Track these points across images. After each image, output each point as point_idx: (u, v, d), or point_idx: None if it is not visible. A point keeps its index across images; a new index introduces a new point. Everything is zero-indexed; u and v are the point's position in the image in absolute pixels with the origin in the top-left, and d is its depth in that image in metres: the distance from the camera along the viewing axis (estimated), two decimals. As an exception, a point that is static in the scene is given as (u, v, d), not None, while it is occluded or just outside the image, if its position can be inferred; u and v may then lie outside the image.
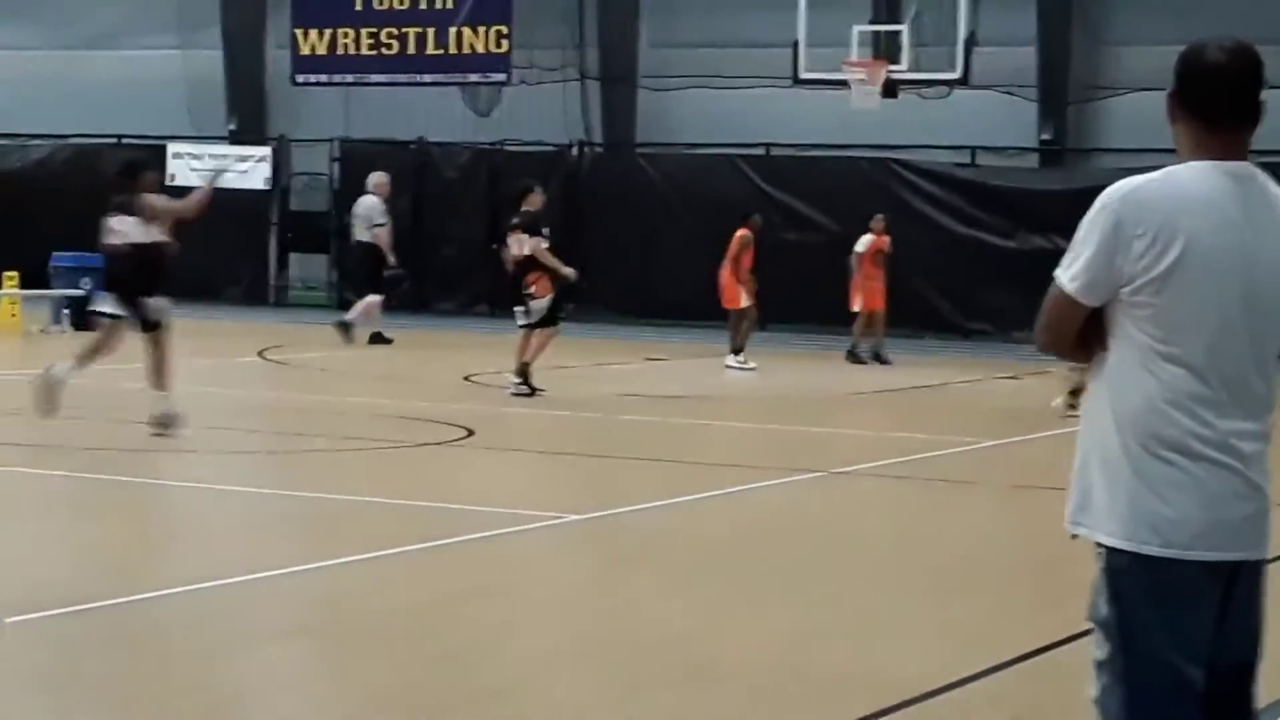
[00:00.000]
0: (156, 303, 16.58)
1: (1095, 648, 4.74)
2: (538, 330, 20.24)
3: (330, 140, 35.67)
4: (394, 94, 35.91)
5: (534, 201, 20.71)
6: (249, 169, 35.78)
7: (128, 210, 16.64)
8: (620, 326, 31.60)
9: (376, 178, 28.22)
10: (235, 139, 37.76)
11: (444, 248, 34.14)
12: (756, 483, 14.63)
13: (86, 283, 28.91)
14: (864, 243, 26.27)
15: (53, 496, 13.25)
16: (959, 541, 12.47)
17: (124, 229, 16.61)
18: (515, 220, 20.62)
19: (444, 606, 9.74)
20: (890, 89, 28.44)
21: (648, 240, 32.37)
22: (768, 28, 32.81)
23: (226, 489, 13.82)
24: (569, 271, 20.57)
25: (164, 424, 16.07)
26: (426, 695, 7.98)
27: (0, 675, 8.03)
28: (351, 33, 35.42)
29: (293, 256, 36.47)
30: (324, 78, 35.89)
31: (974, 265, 31.12)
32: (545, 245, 20.28)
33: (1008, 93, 31.96)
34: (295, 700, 8.04)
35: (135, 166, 17.45)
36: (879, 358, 25.99)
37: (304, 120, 36.79)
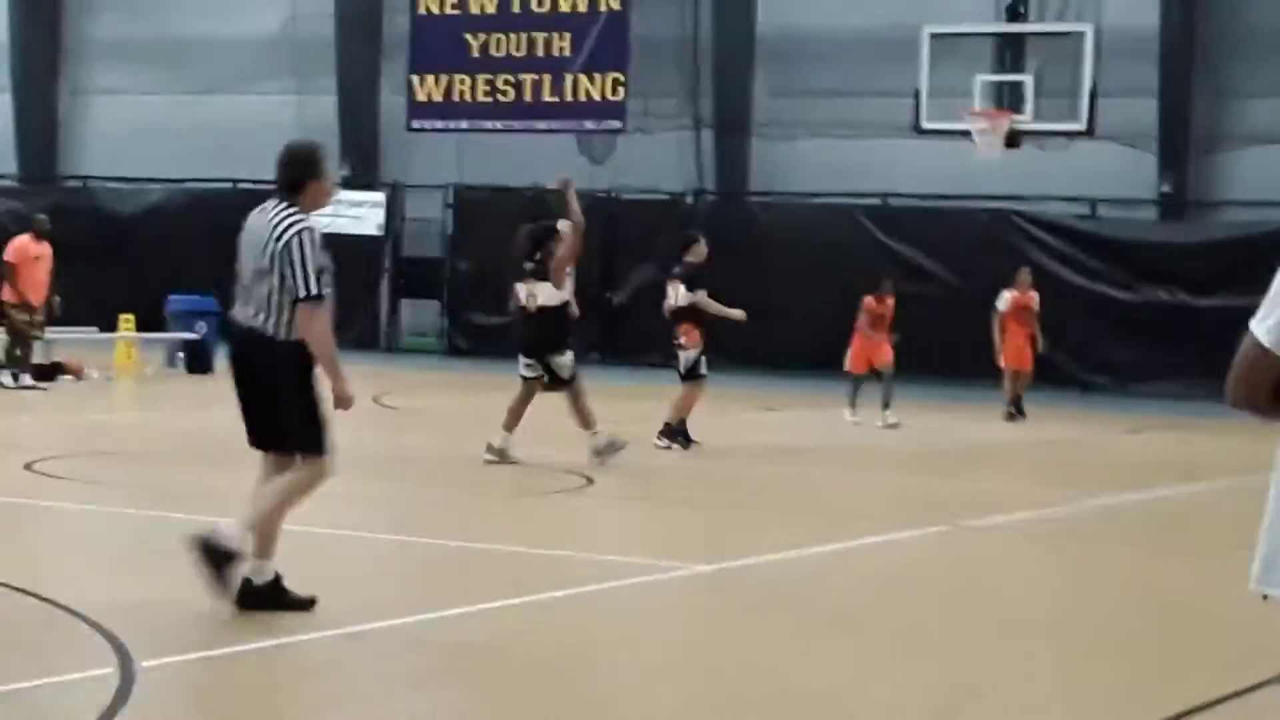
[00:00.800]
0: (563, 360, 18.09)
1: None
2: (685, 383, 20.04)
3: (444, 186, 35.68)
4: (507, 140, 35.95)
5: (698, 253, 20.47)
6: (363, 214, 35.89)
7: (540, 276, 18.13)
8: (735, 376, 31.32)
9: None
10: (348, 184, 37.83)
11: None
12: (886, 535, 14.37)
13: (201, 326, 29.02)
14: (1005, 300, 25.74)
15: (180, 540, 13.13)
16: (1098, 600, 12.17)
17: (536, 293, 18.09)
18: (676, 270, 20.49)
19: (577, 656, 9.56)
20: (1013, 139, 28.18)
21: (764, 289, 31.93)
22: (884, 77, 32.65)
23: (354, 534, 13.67)
24: (737, 314, 20.49)
25: (603, 452, 17.94)
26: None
27: (136, 720, 7.89)
28: (467, 79, 35.56)
29: (405, 303, 36.48)
30: (439, 124, 36.00)
31: (1093, 318, 30.77)
32: (703, 295, 20.20)
33: (1128, 144, 31.62)
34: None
35: (544, 234, 18.57)
36: (1018, 410, 25.44)
37: (416, 166, 36.87)
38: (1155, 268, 30.75)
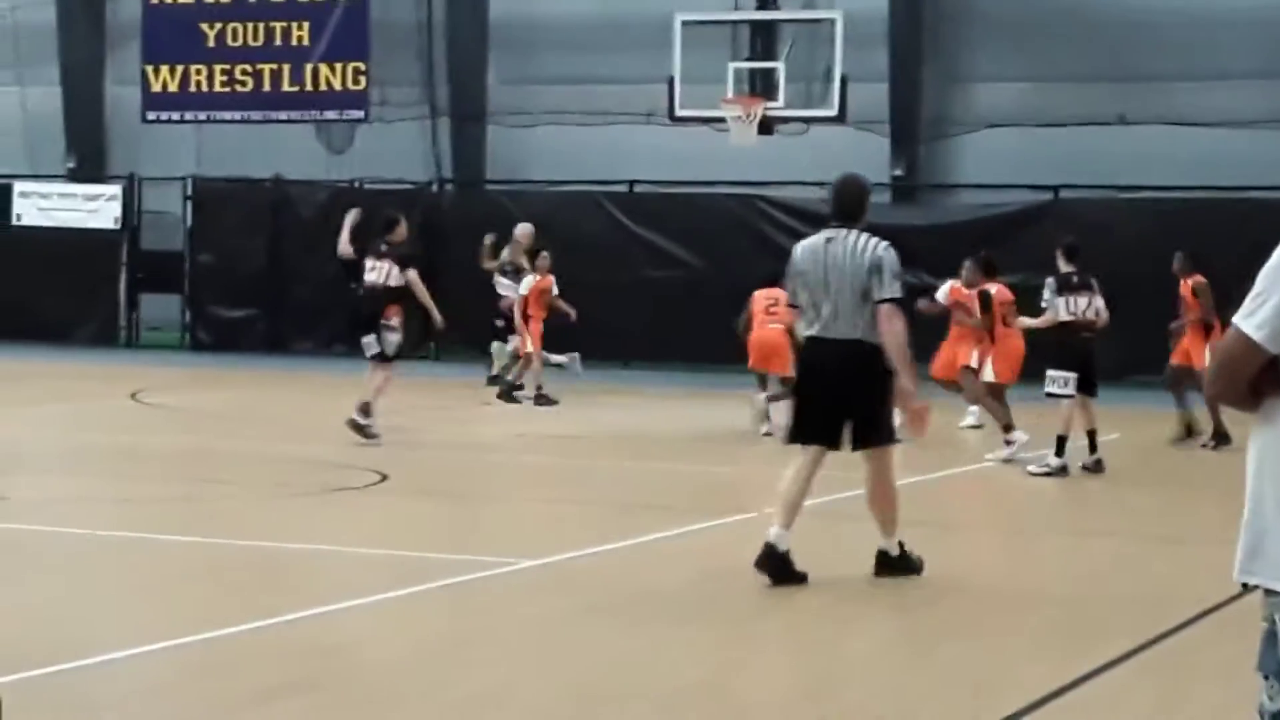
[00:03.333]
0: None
1: (1268, 699, 4.64)
2: (383, 364, 19.77)
3: (182, 178, 35.08)
4: (245, 130, 35.47)
5: (400, 234, 20.38)
6: (98, 207, 35.15)
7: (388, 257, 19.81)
8: (484, 365, 31.25)
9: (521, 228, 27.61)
10: (74, 177, 37.08)
11: (301, 287, 33.66)
12: (694, 525, 14.45)
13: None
14: (526, 284, 25.29)
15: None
16: (933, 582, 12.32)
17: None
18: (384, 248, 20.12)
19: (437, 657, 9.48)
20: (766, 125, 28.46)
21: (511, 278, 31.95)
22: (622, 63, 32.87)
23: (169, 539, 13.37)
24: (438, 317, 20.34)
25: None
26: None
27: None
28: (204, 69, 34.98)
29: (144, 297, 35.79)
30: (176, 115, 35.39)
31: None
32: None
33: (863, 128, 32.08)
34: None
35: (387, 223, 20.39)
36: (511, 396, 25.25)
37: (151, 157, 36.17)
38: (896, 250, 31.25)
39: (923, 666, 9.75)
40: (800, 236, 31.46)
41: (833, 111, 28.49)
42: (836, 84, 28.44)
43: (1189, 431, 21.04)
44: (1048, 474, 18.00)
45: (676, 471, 18.60)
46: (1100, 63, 31.40)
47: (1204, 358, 19.80)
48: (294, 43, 34.45)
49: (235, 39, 34.83)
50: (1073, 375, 18.24)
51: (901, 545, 12.12)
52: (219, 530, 13.76)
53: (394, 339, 19.84)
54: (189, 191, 35.12)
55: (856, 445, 11.95)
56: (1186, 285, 21.49)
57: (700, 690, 8.85)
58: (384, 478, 16.64)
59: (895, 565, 12.07)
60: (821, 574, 12.47)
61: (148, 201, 35.79)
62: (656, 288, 30.36)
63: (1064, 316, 18.45)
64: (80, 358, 31.69)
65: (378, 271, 20.06)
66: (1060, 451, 18.13)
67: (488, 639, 10.07)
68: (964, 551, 13.83)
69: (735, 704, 8.63)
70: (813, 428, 11.93)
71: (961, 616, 11.31)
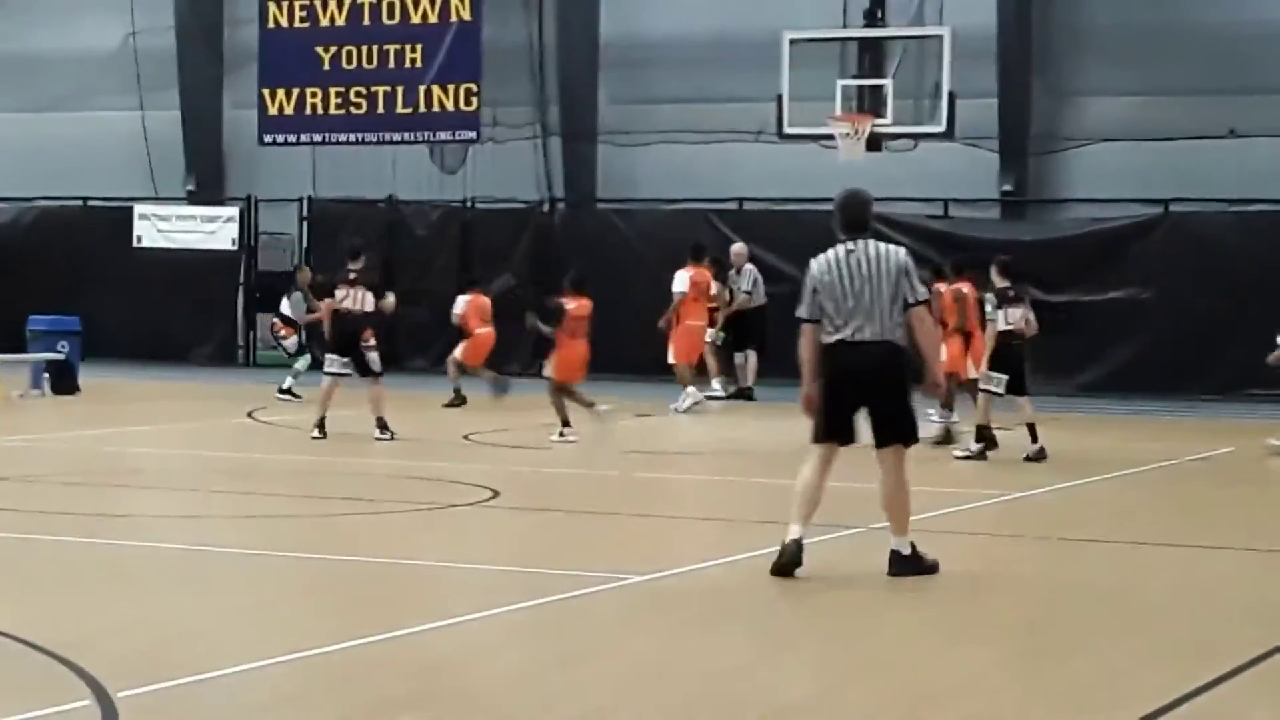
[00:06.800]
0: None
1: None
2: (377, 380, 22.22)
3: (297, 199, 35.56)
4: (359, 151, 35.92)
5: (363, 261, 22.68)
6: (216, 229, 35.71)
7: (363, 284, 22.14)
8: (593, 382, 31.45)
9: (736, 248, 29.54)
10: (194, 199, 37.64)
11: (415, 305, 34.00)
12: (808, 539, 14.57)
13: (64, 346, 28.72)
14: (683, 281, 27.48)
15: (98, 566, 13.07)
16: (1036, 597, 12.39)
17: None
18: (352, 276, 22.20)
19: (551, 671, 9.65)
20: (874, 142, 28.59)
21: (621, 295, 31.96)
22: (729, 82, 33.06)
23: (278, 555, 13.67)
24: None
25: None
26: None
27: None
28: (320, 92, 35.46)
29: (260, 317, 36.28)
30: (292, 137, 35.87)
31: (951, 316, 31.15)
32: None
33: (971, 144, 32.12)
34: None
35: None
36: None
37: (266, 179, 36.70)
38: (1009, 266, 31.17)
39: (1034, 680, 9.82)
40: (910, 254, 31.72)
41: (941, 127, 28.59)
42: (945, 100, 28.53)
43: (949, 438, 21.85)
44: (968, 458, 20.56)
45: (786, 486, 18.69)
46: (1210, 76, 31.29)
47: (966, 365, 21.86)
48: (407, 65, 34.90)
49: (350, 62, 35.31)
50: (1004, 377, 20.42)
51: (913, 545, 12.60)
52: (335, 546, 14.02)
53: (376, 356, 22.27)
54: (305, 212, 35.60)
55: (883, 441, 12.53)
56: (949, 293, 22.39)
57: (807, 706, 8.97)
58: (495, 494, 16.88)
59: (907, 564, 12.52)
60: (924, 593, 12.57)
61: (265, 222, 36.31)
62: (768, 303, 30.39)
63: (1003, 326, 20.63)
64: (199, 377, 32.17)
65: (352, 298, 22.10)
66: (980, 438, 20.64)
67: (597, 656, 10.22)
68: (1078, 563, 13.87)
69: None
70: (838, 427, 12.58)
71: (1073, 630, 11.37)
